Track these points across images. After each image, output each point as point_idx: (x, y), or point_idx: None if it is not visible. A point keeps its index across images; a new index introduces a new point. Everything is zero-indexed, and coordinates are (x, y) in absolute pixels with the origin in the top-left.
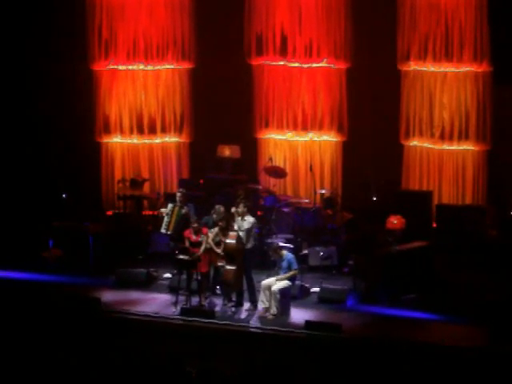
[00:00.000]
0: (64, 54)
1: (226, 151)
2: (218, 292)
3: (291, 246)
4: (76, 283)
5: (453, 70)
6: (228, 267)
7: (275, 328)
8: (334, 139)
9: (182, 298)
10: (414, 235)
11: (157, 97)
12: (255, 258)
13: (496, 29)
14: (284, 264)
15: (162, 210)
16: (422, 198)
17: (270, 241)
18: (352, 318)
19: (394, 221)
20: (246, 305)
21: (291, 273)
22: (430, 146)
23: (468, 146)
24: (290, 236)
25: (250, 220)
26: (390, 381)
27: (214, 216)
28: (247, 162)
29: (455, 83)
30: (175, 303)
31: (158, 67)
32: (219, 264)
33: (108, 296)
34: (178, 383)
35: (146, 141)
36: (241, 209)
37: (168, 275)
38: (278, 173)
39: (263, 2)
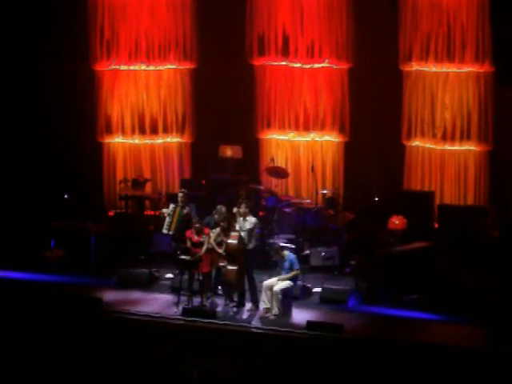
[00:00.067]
0: (66, 54)
1: (228, 151)
2: (220, 292)
3: (293, 247)
4: (78, 283)
5: (455, 70)
6: (230, 267)
7: (277, 328)
8: (336, 139)
9: (183, 298)
10: (415, 235)
11: (159, 97)
12: (257, 259)
13: (498, 29)
14: (286, 264)
15: (164, 210)
16: (423, 199)
17: (271, 241)
18: (354, 318)
19: (396, 221)
20: (248, 305)
21: (293, 273)
22: (431, 146)
23: (470, 147)
24: (291, 236)
25: (251, 220)
26: (391, 381)
27: (216, 216)
28: (249, 162)
29: (457, 83)
30: (177, 303)
31: (160, 67)
32: (221, 264)
33: (110, 296)
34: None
35: (148, 141)
36: (242, 209)
37: (170, 275)
38: (280, 173)
39: (265, 2)
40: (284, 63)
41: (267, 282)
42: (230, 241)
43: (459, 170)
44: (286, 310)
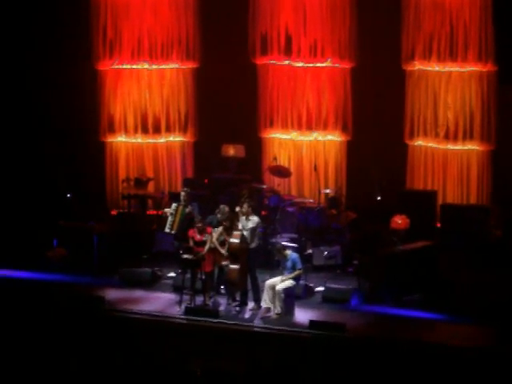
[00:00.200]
0: (68, 54)
1: (231, 150)
2: (223, 291)
3: (295, 246)
4: (80, 282)
5: (457, 69)
6: (232, 267)
7: (279, 327)
8: (339, 139)
9: (186, 297)
10: (418, 235)
11: (161, 96)
12: (259, 258)
13: (501, 28)
14: (288, 264)
15: (166, 209)
16: (426, 198)
17: (274, 240)
18: (356, 317)
19: (399, 220)
20: (251, 304)
21: (296, 273)
22: (434, 145)
23: (472, 146)
24: (294, 235)
25: (254, 219)
26: (393, 380)
27: (219, 215)
28: (252, 161)
29: (460, 83)
30: (179, 302)
31: (163, 67)
32: (223, 263)
33: (112, 295)
34: (182, 382)
35: (151, 140)
36: (245, 208)
37: (172, 274)
38: (283, 172)
39: (268, 1)
40: (287, 63)
41: (269, 282)
42: (232, 240)
43: (462, 170)
44: (288, 310)
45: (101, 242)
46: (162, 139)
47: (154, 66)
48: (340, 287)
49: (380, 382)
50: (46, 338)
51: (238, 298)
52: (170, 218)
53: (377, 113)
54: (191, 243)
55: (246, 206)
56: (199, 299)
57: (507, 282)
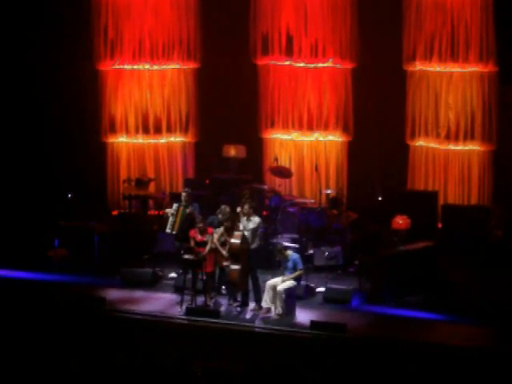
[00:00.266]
0: (70, 54)
1: (232, 151)
2: (224, 292)
3: (296, 246)
4: (81, 283)
5: (459, 70)
6: (233, 267)
7: (280, 328)
8: (340, 139)
9: (187, 297)
10: (419, 235)
11: (162, 96)
12: (260, 258)
13: (502, 29)
14: (289, 264)
15: (167, 210)
16: (427, 198)
17: (275, 241)
18: (357, 317)
19: (400, 221)
20: (252, 305)
21: (297, 273)
22: (435, 146)
23: (473, 146)
24: (295, 236)
25: (255, 220)
26: (394, 381)
27: (220, 216)
28: (253, 161)
29: (461, 83)
30: (180, 303)
31: (164, 67)
32: (224, 264)
33: (113, 295)
34: (183, 383)
35: (152, 140)
36: (246, 209)
37: (173, 275)
38: (284, 173)
39: (269, 1)
40: (288, 63)
41: (270, 282)
42: (233, 240)
43: (463, 170)
44: (289, 310)
45: (102, 242)
46: (163, 139)
47: (155, 67)
48: (341, 287)
49: (381, 382)
50: (47, 338)
51: (239, 299)
52: (171, 219)
53: (378, 113)
54: (192, 244)
55: (247, 206)
56: (200, 300)
57: (507, 282)
